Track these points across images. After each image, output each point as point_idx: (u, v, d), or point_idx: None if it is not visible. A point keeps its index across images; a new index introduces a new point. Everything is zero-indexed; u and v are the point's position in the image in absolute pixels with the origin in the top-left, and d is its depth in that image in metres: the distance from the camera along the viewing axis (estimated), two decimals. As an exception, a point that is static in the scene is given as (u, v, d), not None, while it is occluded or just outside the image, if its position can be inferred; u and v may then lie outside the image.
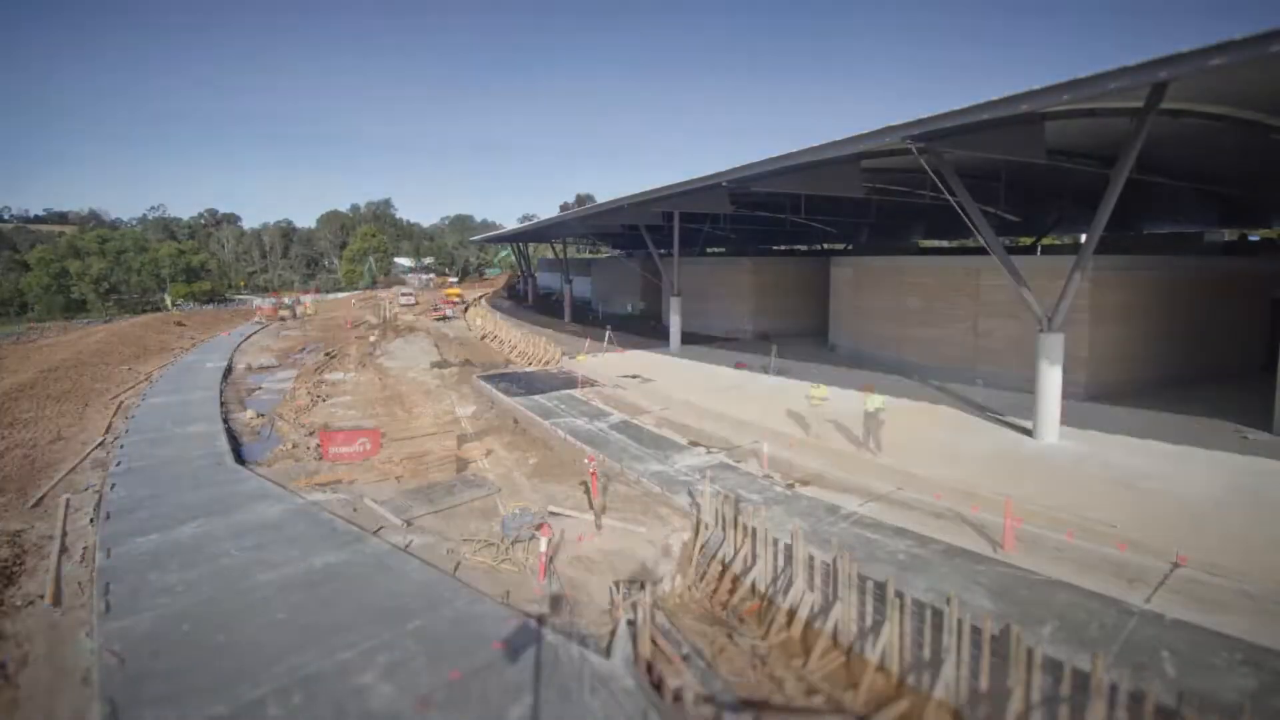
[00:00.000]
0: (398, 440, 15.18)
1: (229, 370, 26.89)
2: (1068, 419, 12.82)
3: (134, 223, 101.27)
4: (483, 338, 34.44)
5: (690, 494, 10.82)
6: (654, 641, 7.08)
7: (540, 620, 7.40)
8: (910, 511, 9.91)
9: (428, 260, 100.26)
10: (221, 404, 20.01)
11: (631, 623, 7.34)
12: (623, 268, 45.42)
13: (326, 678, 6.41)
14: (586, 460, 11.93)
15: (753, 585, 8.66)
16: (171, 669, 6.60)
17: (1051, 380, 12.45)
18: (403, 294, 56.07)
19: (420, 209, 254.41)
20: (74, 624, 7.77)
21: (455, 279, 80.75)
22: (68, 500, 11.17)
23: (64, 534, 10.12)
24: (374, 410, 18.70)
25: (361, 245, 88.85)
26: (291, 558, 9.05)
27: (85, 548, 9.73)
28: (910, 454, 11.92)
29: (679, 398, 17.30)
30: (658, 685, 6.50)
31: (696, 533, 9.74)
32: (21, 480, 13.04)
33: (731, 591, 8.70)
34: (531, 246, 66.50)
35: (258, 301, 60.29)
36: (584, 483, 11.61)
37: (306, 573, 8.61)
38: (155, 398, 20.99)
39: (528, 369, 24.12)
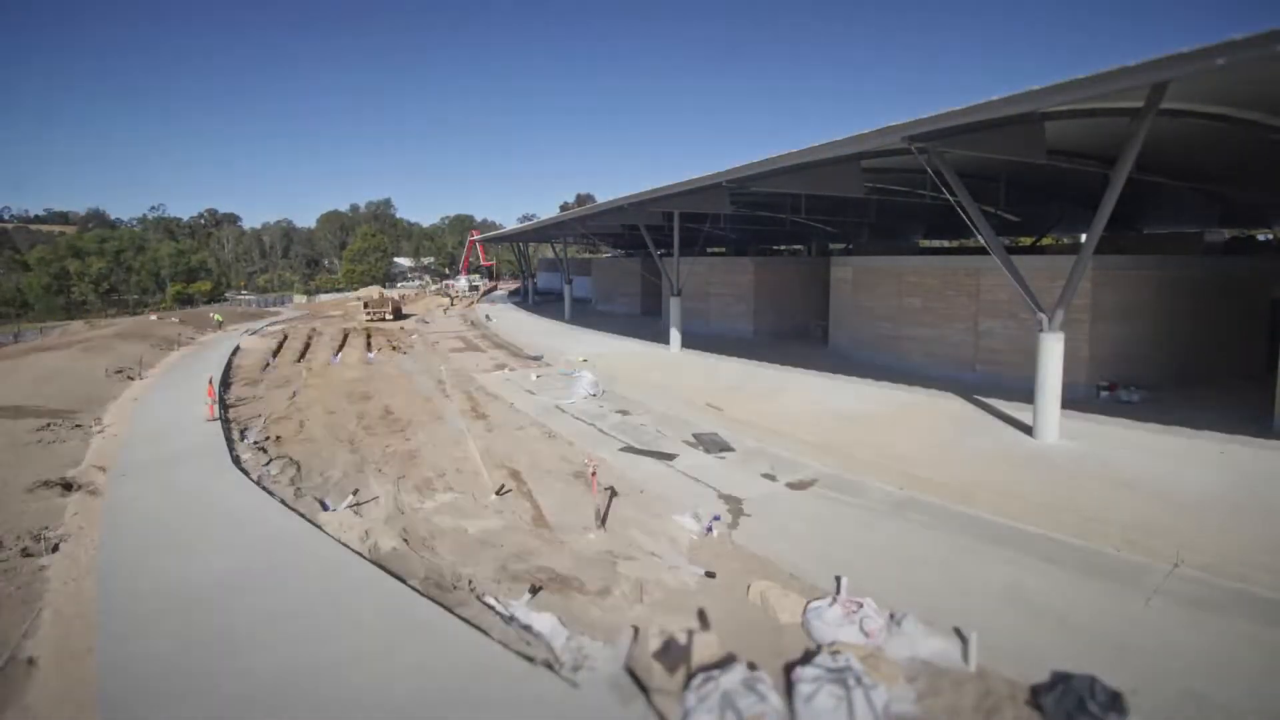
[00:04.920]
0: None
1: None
2: (1067, 419, 12.82)
3: (134, 223, 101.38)
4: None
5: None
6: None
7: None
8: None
9: (428, 260, 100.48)
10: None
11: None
12: (622, 268, 45.47)
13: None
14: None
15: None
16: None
17: (1051, 380, 12.45)
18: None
19: (420, 209, 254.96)
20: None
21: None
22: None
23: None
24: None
25: (362, 245, 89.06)
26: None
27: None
28: (908, 452, 11.92)
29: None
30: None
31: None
32: None
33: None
34: (532, 246, 66.56)
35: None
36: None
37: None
38: None
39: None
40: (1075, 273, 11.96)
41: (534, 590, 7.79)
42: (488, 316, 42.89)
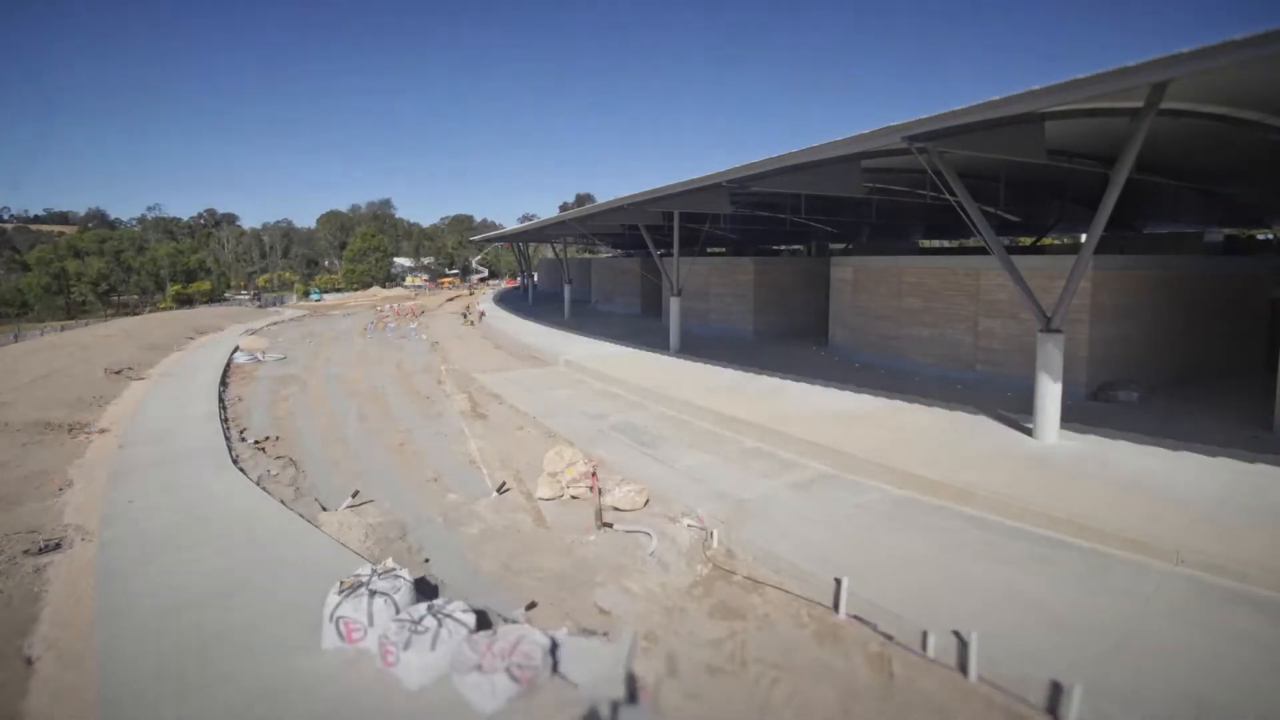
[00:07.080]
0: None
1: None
2: (1067, 419, 12.82)
3: (133, 223, 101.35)
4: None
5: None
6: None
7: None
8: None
9: (428, 260, 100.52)
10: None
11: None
12: (622, 268, 45.46)
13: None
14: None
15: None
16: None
17: (1051, 380, 12.44)
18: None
19: (420, 209, 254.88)
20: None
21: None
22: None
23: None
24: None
25: (361, 245, 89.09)
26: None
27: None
28: (907, 452, 11.91)
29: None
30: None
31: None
32: None
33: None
34: (532, 246, 66.59)
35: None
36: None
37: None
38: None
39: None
40: (1075, 273, 11.95)
41: (530, 606, 7.69)
42: (483, 315, 42.88)
